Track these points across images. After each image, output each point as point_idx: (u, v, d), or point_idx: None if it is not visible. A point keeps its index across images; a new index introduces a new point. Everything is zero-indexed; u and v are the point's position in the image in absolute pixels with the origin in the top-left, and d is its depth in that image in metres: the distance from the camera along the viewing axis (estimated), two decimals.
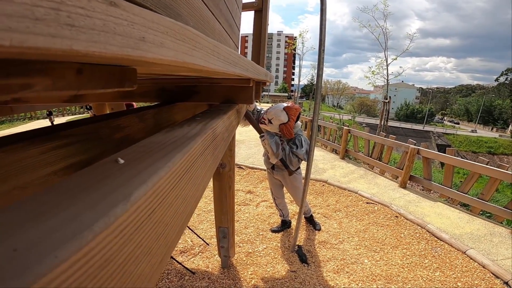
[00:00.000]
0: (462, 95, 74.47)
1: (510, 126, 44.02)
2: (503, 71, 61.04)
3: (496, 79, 63.00)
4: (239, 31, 1.33)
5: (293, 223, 3.45)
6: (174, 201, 0.28)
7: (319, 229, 3.24)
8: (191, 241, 2.89)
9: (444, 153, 4.18)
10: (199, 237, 2.88)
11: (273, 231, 3.18)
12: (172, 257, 2.33)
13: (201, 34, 0.32)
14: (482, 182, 4.24)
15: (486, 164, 3.63)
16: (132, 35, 0.18)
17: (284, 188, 3.04)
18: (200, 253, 2.71)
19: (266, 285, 2.34)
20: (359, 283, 2.39)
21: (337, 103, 69.95)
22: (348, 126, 6.33)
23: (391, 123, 43.70)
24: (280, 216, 3.26)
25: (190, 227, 3.06)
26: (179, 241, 2.83)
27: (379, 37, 11.70)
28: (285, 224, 3.21)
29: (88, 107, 3.57)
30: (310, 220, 3.34)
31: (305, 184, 2.37)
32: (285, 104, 2.48)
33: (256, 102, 2.51)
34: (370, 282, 2.41)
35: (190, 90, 0.88)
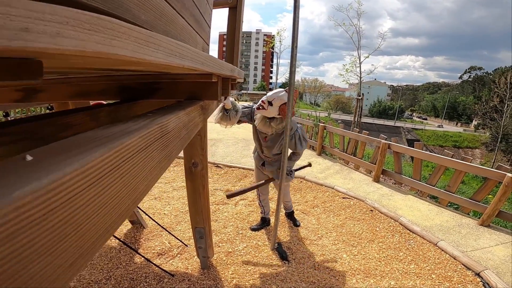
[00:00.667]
0: (429, 92, 78.76)
1: (473, 121, 47.13)
2: (466, 69, 65.13)
3: (460, 77, 67.20)
4: (209, 28, 1.29)
5: (272, 220, 3.47)
6: (92, 200, 0.25)
7: (299, 226, 3.26)
8: (168, 243, 2.80)
9: (413, 147, 4.38)
10: (177, 238, 2.80)
11: (253, 229, 3.17)
12: (148, 260, 2.23)
13: (126, 24, 0.30)
14: (449, 174, 4.48)
15: (451, 157, 3.83)
16: (9, 27, 0.18)
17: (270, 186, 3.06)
18: (178, 255, 2.64)
19: (248, 284, 2.31)
20: (339, 278, 2.41)
21: (315, 101, 71.40)
22: (324, 123, 6.45)
23: (365, 120, 45.34)
24: (261, 213, 3.26)
25: (167, 229, 2.97)
26: (156, 243, 2.75)
27: (352, 36, 12.05)
28: (264, 222, 3.20)
29: (49, 107, 3.33)
30: (291, 216, 3.36)
31: (281, 181, 2.36)
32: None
33: (236, 100, 2.52)
34: (350, 276, 2.44)
35: (153, 87, 0.83)
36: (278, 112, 2.29)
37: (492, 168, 4.10)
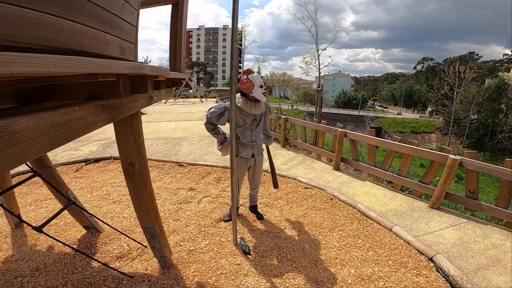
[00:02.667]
0: (388, 82, 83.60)
1: (428, 108, 50.82)
2: (419, 60, 70.04)
3: (414, 67, 72.11)
4: (134, 26, 1.26)
5: (242, 210, 3.45)
6: None
7: (262, 219, 3.27)
8: (127, 245, 2.68)
9: (378, 136, 4.55)
10: (135, 240, 2.65)
11: (225, 220, 3.18)
12: (104, 264, 2.13)
13: None
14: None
15: (399, 142, 4.05)
16: None
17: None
18: (138, 257, 2.55)
19: (210, 280, 2.28)
20: (301, 269, 2.43)
21: (284, 94, 72.28)
22: (286, 115, 6.50)
23: (332, 110, 46.94)
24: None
25: (126, 232, 2.84)
26: (114, 247, 2.65)
27: (311, 29, 12.29)
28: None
29: None
30: (254, 210, 3.36)
31: (232, 175, 2.33)
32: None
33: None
34: (312, 267, 2.46)
35: (51, 89, 0.77)
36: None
37: None
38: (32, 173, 2.16)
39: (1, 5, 0.56)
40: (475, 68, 37.07)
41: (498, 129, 31.11)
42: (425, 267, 2.42)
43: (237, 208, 3.27)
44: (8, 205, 2.77)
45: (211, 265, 2.47)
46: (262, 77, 2.78)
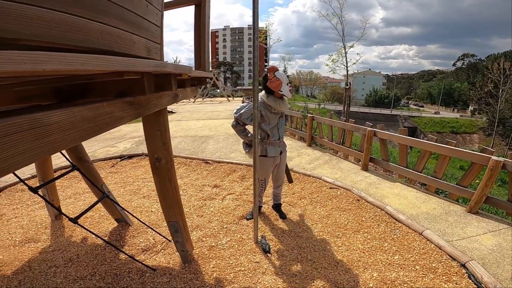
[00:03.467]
0: (424, 80, 78.50)
1: (470, 106, 47.05)
2: (459, 57, 64.80)
3: (454, 64, 66.92)
4: (158, 27, 1.35)
5: (265, 208, 3.46)
6: None
7: (285, 218, 3.25)
8: (153, 239, 2.81)
9: (413, 136, 4.32)
10: (160, 234, 2.80)
11: (248, 218, 3.20)
12: (130, 256, 2.27)
13: None
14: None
15: (435, 142, 3.78)
16: None
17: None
18: (162, 250, 2.65)
19: (228, 277, 2.30)
20: (320, 270, 2.37)
21: (311, 93, 71.05)
22: (312, 114, 6.38)
23: (362, 109, 45.18)
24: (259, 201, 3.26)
25: (153, 226, 2.97)
26: (141, 240, 2.79)
27: (336, 26, 11.92)
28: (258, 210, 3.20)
29: None
30: (278, 209, 3.34)
31: (254, 172, 2.34)
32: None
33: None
34: (332, 269, 2.40)
35: (87, 87, 0.84)
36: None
37: None
38: (72, 167, 2.38)
39: (37, 9, 0.63)
40: None
41: None
42: (456, 273, 2.27)
43: (260, 206, 3.28)
44: (50, 198, 3.03)
45: (231, 262, 2.49)
46: (288, 76, 2.81)
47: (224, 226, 3.09)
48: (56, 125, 0.71)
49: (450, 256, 2.48)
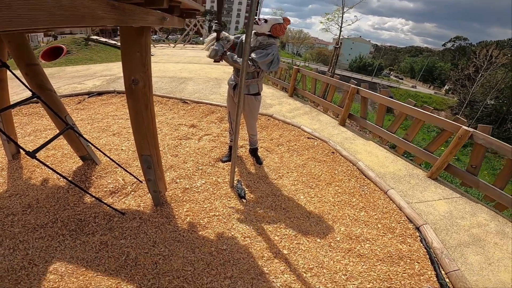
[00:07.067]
0: (410, 55, 78.23)
1: (445, 85, 48.52)
2: (452, 38, 64.10)
3: (444, 44, 66.54)
4: None
5: (242, 152, 3.35)
6: None
7: (261, 163, 3.18)
8: (122, 180, 2.59)
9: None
10: (131, 174, 2.58)
11: (223, 161, 3.10)
12: (98, 199, 2.04)
13: None
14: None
15: (413, 106, 3.82)
16: None
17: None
18: (132, 192, 2.46)
19: (202, 222, 2.22)
20: (293, 220, 2.38)
21: (297, 51, 68.75)
22: (298, 66, 6.17)
23: (345, 73, 45.05)
24: (230, 140, 3.15)
25: (123, 165, 2.74)
26: (109, 181, 2.54)
27: None
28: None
29: None
30: (254, 153, 3.25)
31: (237, 115, 2.20)
32: None
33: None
34: (304, 219, 2.40)
35: None
36: (269, 29, 2.39)
37: None
38: (32, 95, 2.01)
39: None
40: (509, 55, 34.43)
41: (510, 118, 30.14)
42: (411, 235, 2.36)
43: (230, 147, 3.16)
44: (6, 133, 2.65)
45: (205, 206, 2.41)
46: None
47: (200, 168, 2.95)
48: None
49: (408, 218, 2.57)
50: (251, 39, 2.49)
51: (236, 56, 2.34)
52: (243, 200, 2.55)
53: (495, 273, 2.04)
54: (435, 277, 1.98)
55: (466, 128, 3.14)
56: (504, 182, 2.94)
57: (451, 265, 2.06)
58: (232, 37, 2.57)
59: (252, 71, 2.50)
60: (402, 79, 63.58)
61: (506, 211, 2.97)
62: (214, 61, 2.47)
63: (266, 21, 2.37)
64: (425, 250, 2.22)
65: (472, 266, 2.10)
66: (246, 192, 2.67)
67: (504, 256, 2.21)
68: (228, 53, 2.41)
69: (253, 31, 2.44)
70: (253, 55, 2.36)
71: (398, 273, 1.97)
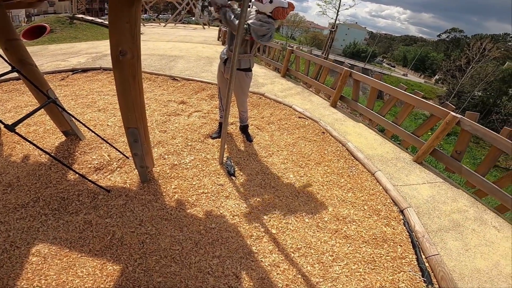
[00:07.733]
0: (404, 44, 77.96)
1: (436, 75, 48.91)
2: (447, 29, 63.99)
3: (439, 35, 66.37)
4: None
5: (232, 129, 3.30)
6: None
7: (251, 141, 3.14)
8: (108, 156, 2.50)
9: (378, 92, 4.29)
10: (117, 150, 2.49)
11: (213, 137, 3.05)
12: (82, 176, 1.93)
13: None
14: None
15: (404, 91, 3.84)
16: None
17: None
18: (118, 169, 2.37)
19: (191, 199, 2.17)
20: (282, 199, 2.36)
21: (291, 35, 67.55)
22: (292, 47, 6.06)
23: (338, 58, 44.75)
24: (220, 117, 3.10)
25: (109, 141, 2.64)
26: (93, 157, 2.44)
27: None
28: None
29: None
30: (245, 130, 3.20)
31: (229, 89, 2.14)
32: None
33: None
34: (293, 198, 2.39)
35: None
36: (271, 10, 2.33)
37: None
38: (11, 69, 1.86)
39: None
40: (502, 49, 34.75)
41: (496, 110, 30.88)
42: (395, 218, 2.37)
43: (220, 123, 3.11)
44: None
45: (194, 183, 2.35)
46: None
47: (189, 144, 2.88)
48: None
49: (393, 200, 2.58)
50: (252, 16, 2.45)
51: (233, 16, 2.19)
52: (233, 178, 2.51)
53: (471, 259, 2.08)
54: (415, 261, 2.01)
55: (454, 114, 3.15)
56: (487, 169, 3.00)
57: (431, 249, 2.09)
58: (236, 5, 2.46)
59: (242, 38, 2.40)
60: (394, 67, 63.71)
61: (485, 198, 3.02)
62: (215, 11, 2.27)
63: (271, 1, 2.29)
64: (407, 234, 2.24)
65: (450, 251, 2.13)
66: (236, 169, 2.62)
67: (481, 243, 2.26)
68: (227, 9, 2.24)
69: (254, 8, 2.40)
70: (249, 21, 2.28)
71: (381, 255, 2.00)
